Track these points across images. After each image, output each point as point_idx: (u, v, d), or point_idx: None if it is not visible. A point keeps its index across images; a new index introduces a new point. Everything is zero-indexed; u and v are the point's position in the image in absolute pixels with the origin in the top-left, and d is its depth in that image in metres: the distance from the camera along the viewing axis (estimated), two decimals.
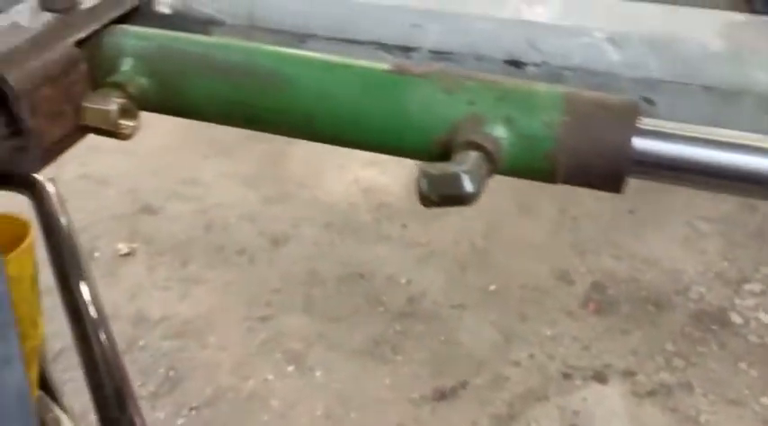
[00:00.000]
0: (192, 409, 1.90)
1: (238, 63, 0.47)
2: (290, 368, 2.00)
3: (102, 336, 1.07)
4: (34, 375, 0.96)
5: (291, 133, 0.48)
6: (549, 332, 2.07)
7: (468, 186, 0.39)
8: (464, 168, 0.39)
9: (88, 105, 0.46)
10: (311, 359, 2.01)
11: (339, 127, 0.47)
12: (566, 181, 0.44)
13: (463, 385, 1.93)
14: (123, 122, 0.46)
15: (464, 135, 0.42)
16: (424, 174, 0.39)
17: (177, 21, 0.56)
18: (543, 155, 0.42)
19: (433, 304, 2.16)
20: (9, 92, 0.45)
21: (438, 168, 0.40)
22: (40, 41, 0.48)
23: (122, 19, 0.54)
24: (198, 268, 2.34)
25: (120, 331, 2.12)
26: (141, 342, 2.10)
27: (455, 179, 0.39)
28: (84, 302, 1.09)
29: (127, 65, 0.50)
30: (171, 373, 2.01)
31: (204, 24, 0.55)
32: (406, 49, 0.51)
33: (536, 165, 0.43)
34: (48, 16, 0.51)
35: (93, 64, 0.50)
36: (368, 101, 0.46)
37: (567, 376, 1.96)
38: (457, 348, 2.04)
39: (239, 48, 0.48)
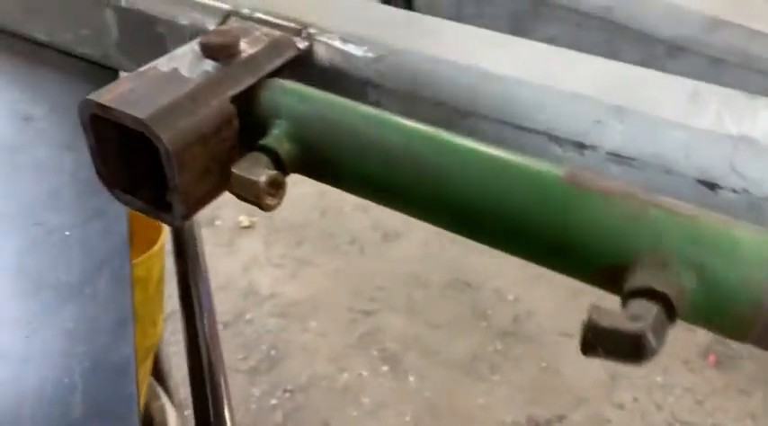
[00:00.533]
0: (286, 391, 1.94)
1: (396, 145, 0.44)
2: (385, 368, 1.99)
3: (206, 311, 1.10)
4: (147, 370, 1.00)
5: (444, 226, 0.44)
6: (659, 379, 1.94)
7: (650, 348, 0.33)
8: (645, 326, 0.34)
9: (237, 172, 0.44)
10: (406, 363, 2.00)
11: (495, 230, 0.42)
12: (756, 343, 0.37)
13: (560, 419, 1.85)
14: (269, 196, 0.44)
15: (643, 277, 0.36)
16: (596, 328, 0.34)
17: (335, 77, 0.53)
18: (736, 314, 0.36)
19: (539, 327, 2.08)
20: (162, 150, 0.44)
21: (612, 321, 0.34)
22: (197, 97, 0.46)
23: (280, 68, 0.51)
24: (310, 250, 2.37)
25: (230, 301, 2.19)
26: (248, 316, 2.16)
27: (636, 339, 0.33)
28: (196, 275, 1.12)
29: (279, 126, 0.47)
30: (272, 352, 2.06)
31: (363, 84, 0.52)
32: (580, 146, 0.45)
33: (724, 323, 0.37)
34: (208, 64, 0.49)
35: (246, 121, 0.48)
36: (534, 209, 0.41)
37: None
38: (557, 378, 1.95)
39: (399, 127, 0.44)
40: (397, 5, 0.88)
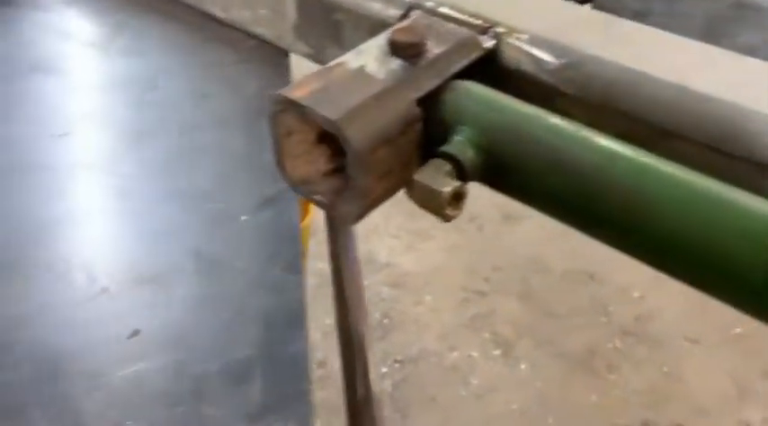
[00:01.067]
0: (396, 362, 1.97)
1: (593, 166, 0.41)
2: (497, 352, 1.97)
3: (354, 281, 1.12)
4: None
5: (636, 256, 0.42)
6: None
7: None
8: None
9: (420, 180, 0.43)
10: (519, 350, 1.96)
11: (694, 268, 0.39)
12: None
13: None
14: (450, 207, 0.43)
15: None
16: None
17: (520, 81, 0.50)
18: None
19: (664, 329, 1.98)
20: (349, 152, 0.43)
21: None
22: (385, 98, 0.45)
23: (465, 69, 0.50)
24: (427, 224, 2.37)
25: None
26: (366, 282, 2.20)
27: None
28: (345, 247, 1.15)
29: (463, 133, 0.46)
30: (385, 320, 2.09)
31: (550, 91, 0.49)
32: None
33: None
34: (394, 63, 0.48)
35: (429, 124, 0.47)
36: (744, 250, 0.37)
37: None
38: (679, 386, 1.86)
39: (598, 146, 0.42)
40: None
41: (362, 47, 0.50)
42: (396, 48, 0.48)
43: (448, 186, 0.42)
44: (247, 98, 0.65)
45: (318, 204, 0.49)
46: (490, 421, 1.85)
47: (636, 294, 2.07)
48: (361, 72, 0.47)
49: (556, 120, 0.44)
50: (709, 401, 1.81)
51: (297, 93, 0.45)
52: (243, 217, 0.52)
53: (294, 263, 0.49)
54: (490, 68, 0.51)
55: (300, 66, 0.71)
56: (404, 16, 0.55)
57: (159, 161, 0.58)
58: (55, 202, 0.55)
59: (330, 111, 0.43)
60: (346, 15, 0.60)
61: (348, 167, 0.44)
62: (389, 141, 0.45)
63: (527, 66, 0.50)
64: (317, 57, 0.66)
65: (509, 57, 0.51)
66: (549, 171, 0.42)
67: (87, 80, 0.68)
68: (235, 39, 0.73)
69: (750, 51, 0.59)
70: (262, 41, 0.71)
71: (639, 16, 0.69)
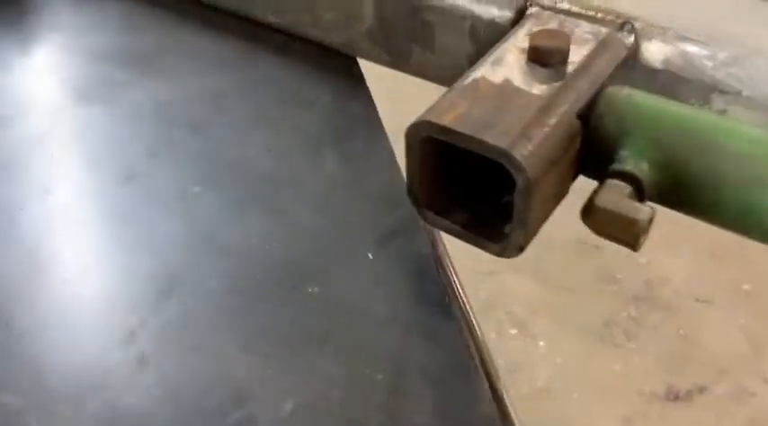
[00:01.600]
0: None
1: None
2: (513, 331, 1.95)
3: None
4: None
5: None
6: None
7: None
8: None
9: (607, 208, 0.38)
10: (535, 327, 1.95)
11: None
12: None
13: (701, 390, 1.78)
14: (645, 236, 0.38)
15: None
16: None
17: (669, 80, 0.46)
18: None
19: (675, 293, 1.99)
20: (520, 183, 0.38)
21: None
22: (547, 117, 0.40)
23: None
24: None
25: None
26: None
27: None
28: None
29: (632, 146, 0.41)
30: None
31: (706, 91, 0.44)
32: None
33: None
34: (540, 72, 0.43)
35: (589, 139, 0.42)
36: None
37: None
38: (697, 347, 1.87)
39: None
40: None
41: (495, 55, 0.44)
42: (539, 55, 0.43)
43: (644, 213, 0.38)
44: (325, 115, 0.59)
45: (459, 236, 0.44)
46: (517, 402, 1.84)
47: (643, 260, 2.07)
48: (507, 86, 0.42)
49: (742, 126, 0.40)
50: (727, 359, 1.83)
51: (447, 118, 0.40)
52: (370, 255, 0.46)
53: (442, 303, 0.44)
54: (632, 70, 0.46)
55: (374, 74, 0.65)
56: (519, 15, 0.50)
57: (249, 193, 0.52)
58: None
59: (496, 138, 0.38)
60: (440, 16, 0.54)
61: (517, 197, 0.39)
62: (555, 164, 0.40)
63: (677, 64, 0.45)
64: (399, 65, 0.60)
65: (653, 55, 0.46)
66: (745, 184, 0.38)
67: (141, 111, 0.60)
68: (288, 48, 0.66)
69: None
70: (321, 49, 0.65)
71: None
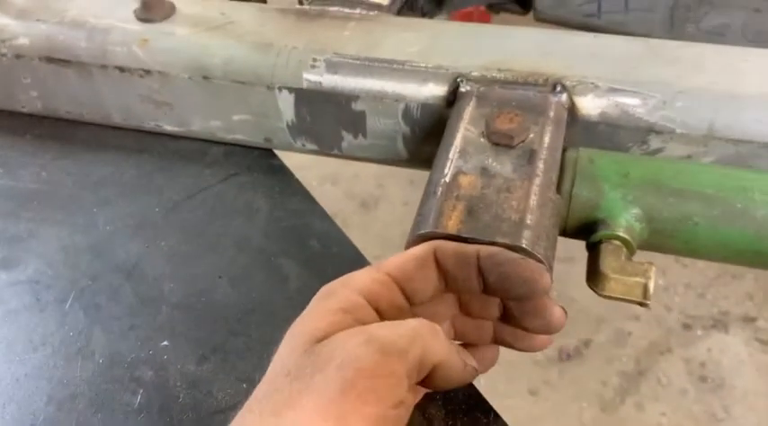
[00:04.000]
0: None
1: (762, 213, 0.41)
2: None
3: None
4: None
5: None
6: (661, 282, 2.06)
7: None
8: None
9: (616, 276, 0.40)
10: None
11: None
12: None
13: (586, 343, 1.94)
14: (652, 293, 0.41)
15: None
16: None
17: (607, 130, 0.49)
18: None
19: None
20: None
21: None
22: (538, 200, 0.41)
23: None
24: None
25: None
26: None
27: None
28: None
29: (608, 207, 0.43)
30: None
31: (642, 133, 0.48)
32: None
33: None
34: (508, 154, 0.44)
35: (570, 206, 0.44)
36: None
37: (686, 326, 1.97)
38: (572, 305, 2.03)
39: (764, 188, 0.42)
40: (425, 8, 0.83)
41: (456, 145, 0.45)
42: (503, 139, 0.44)
43: (648, 277, 0.40)
44: (268, 223, 0.56)
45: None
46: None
47: None
48: (490, 177, 0.42)
49: (710, 168, 0.44)
50: (599, 310, 2.01)
51: (452, 226, 0.39)
52: None
53: None
54: (571, 126, 0.49)
55: (295, 163, 0.63)
56: (453, 92, 0.51)
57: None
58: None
59: (508, 237, 0.38)
60: (370, 104, 0.53)
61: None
62: (555, 242, 0.42)
63: (612, 116, 0.49)
64: (325, 151, 0.59)
65: (589, 110, 0.49)
66: (721, 224, 0.42)
67: None
68: (196, 153, 0.62)
69: (720, 30, 0.63)
70: (230, 148, 0.62)
71: (589, 17, 0.71)
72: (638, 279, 0.40)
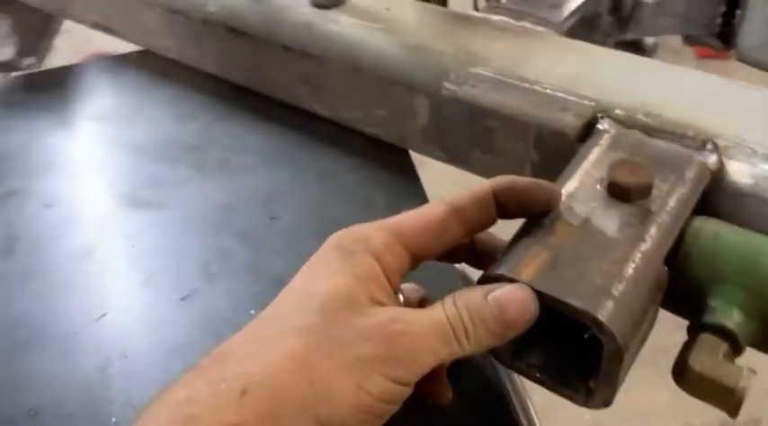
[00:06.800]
0: None
1: None
2: None
3: None
4: None
5: None
6: None
7: None
8: None
9: (703, 373, 0.35)
10: None
11: None
12: None
13: (756, 422, 1.72)
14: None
15: None
16: None
17: (758, 205, 0.42)
18: None
19: None
20: (610, 348, 0.35)
21: None
22: (636, 269, 0.37)
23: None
24: None
25: None
26: None
27: None
28: None
29: (721, 292, 0.38)
30: None
31: None
32: None
33: None
34: (620, 209, 0.40)
35: (678, 282, 0.39)
36: None
37: None
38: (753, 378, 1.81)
39: None
40: (607, 30, 0.75)
41: (570, 187, 0.41)
42: (620, 192, 0.40)
43: (744, 380, 0.35)
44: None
45: (541, 383, 0.41)
46: None
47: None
48: (588, 230, 0.39)
49: None
50: None
51: (527, 274, 0.37)
52: None
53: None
54: (716, 193, 0.43)
55: (428, 166, 0.62)
56: (588, 127, 0.47)
57: None
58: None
59: (585, 303, 0.35)
60: (501, 122, 0.51)
61: (605, 360, 0.36)
62: (645, 316, 0.37)
63: (767, 188, 0.42)
64: (456, 163, 0.57)
65: (740, 177, 0.43)
66: None
67: (191, 218, 0.59)
68: (339, 139, 0.64)
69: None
70: (370, 139, 0.63)
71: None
72: (728, 385, 0.35)
